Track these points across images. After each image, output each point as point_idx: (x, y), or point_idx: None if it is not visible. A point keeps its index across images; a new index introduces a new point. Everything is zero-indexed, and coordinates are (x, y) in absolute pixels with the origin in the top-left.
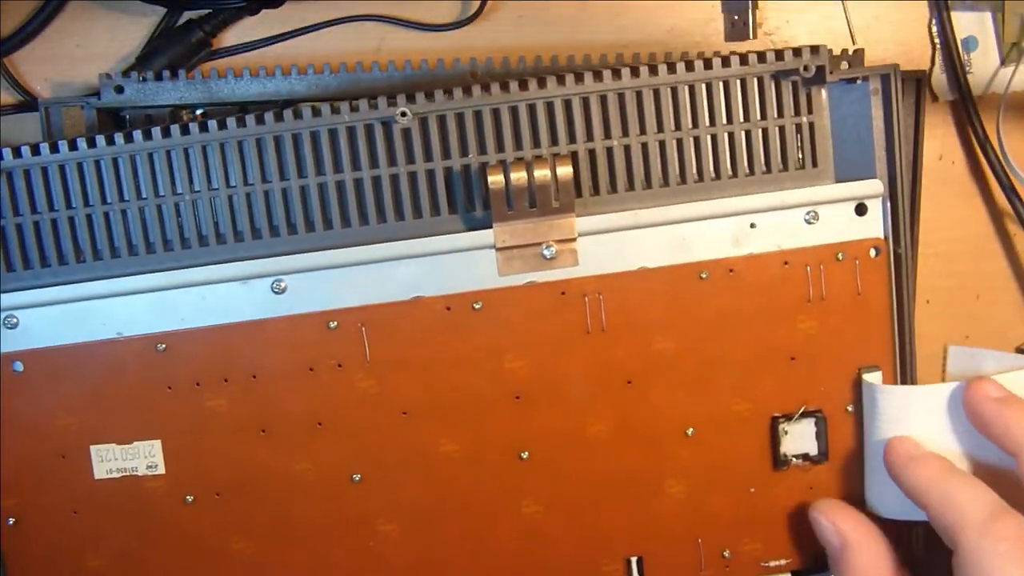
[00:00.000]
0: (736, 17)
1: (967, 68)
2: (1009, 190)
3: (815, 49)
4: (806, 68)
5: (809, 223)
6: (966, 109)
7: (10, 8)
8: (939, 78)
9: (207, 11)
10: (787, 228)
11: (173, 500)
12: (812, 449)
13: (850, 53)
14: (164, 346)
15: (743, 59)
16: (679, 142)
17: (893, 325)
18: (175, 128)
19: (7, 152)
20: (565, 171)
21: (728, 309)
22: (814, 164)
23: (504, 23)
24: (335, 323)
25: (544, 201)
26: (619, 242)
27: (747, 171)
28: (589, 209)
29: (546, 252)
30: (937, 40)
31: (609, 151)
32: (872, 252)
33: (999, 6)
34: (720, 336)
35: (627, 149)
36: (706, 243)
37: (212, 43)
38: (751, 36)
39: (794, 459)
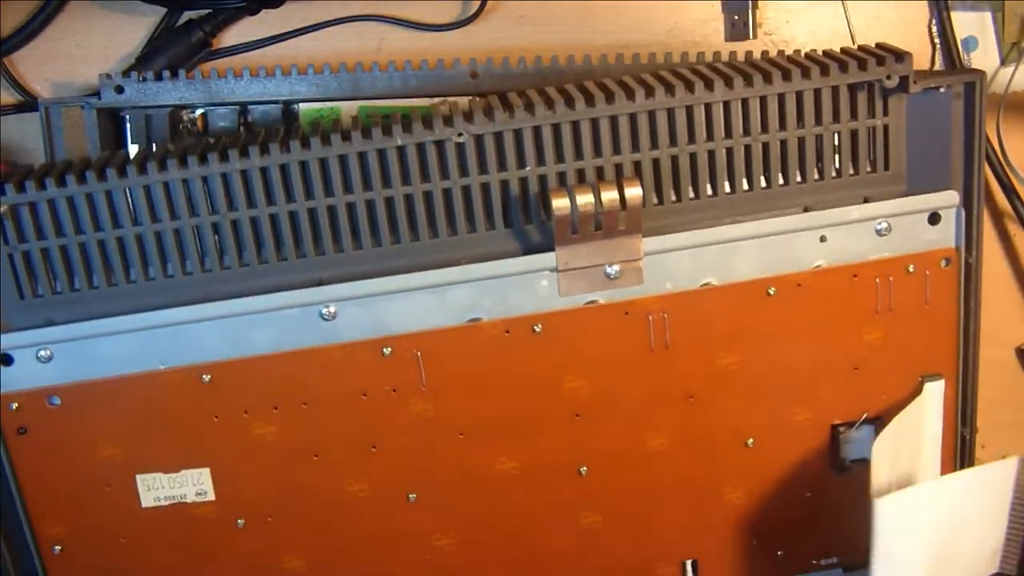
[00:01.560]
0: (736, 17)
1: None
2: (1009, 190)
3: (899, 57)
4: (889, 78)
5: (880, 234)
6: None
7: (10, 8)
8: None
9: (207, 11)
10: (858, 241)
11: (224, 524)
12: (871, 454)
13: None
14: (209, 377)
15: (823, 69)
16: (747, 148)
17: (959, 334)
18: (212, 156)
19: (29, 185)
20: (634, 193)
21: (794, 322)
22: (886, 168)
23: (504, 23)
24: (389, 349)
25: (610, 224)
26: (685, 259)
27: (816, 176)
28: (653, 220)
29: (610, 270)
30: (937, 40)
31: (674, 159)
32: (943, 263)
33: (999, 6)
34: (784, 348)
35: (693, 157)
36: (775, 259)
37: (212, 43)
38: (751, 36)
39: (852, 464)
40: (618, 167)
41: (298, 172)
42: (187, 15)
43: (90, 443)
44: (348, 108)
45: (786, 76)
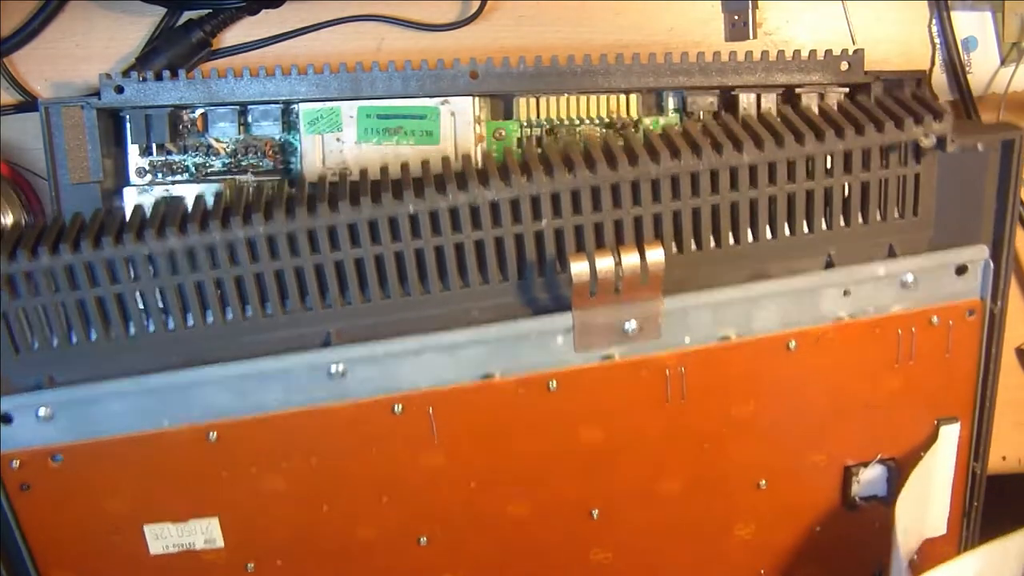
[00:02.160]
0: (736, 17)
1: (967, 68)
2: None
3: (937, 114)
4: (927, 136)
5: (905, 287)
6: (966, 109)
7: (10, 8)
8: (939, 78)
9: (207, 11)
10: (882, 293)
11: (233, 569)
12: (882, 491)
13: (850, 54)
14: (215, 434)
15: (858, 128)
16: (772, 198)
17: (979, 380)
18: (213, 224)
19: (21, 254)
20: (656, 259)
21: (813, 374)
22: (915, 214)
23: (504, 23)
24: (400, 407)
25: (631, 288)
26: (705, 313)
27: (843, 223)
28: (673, 270)
29: (628, 326)
30: (937, 40)
31: (696, 210)
32: (967, 314)
33: (999, 6)
34: (802, 398)
35: (716, 208)
36: (797, 312)
37: (212, 43)
38: (751, 36)
39: (863, 502)
40: (638, 220)
41: (305, 237)
42: (187, 15)
43: (95, 498)
44: (348, 108)
45: (819, 136)
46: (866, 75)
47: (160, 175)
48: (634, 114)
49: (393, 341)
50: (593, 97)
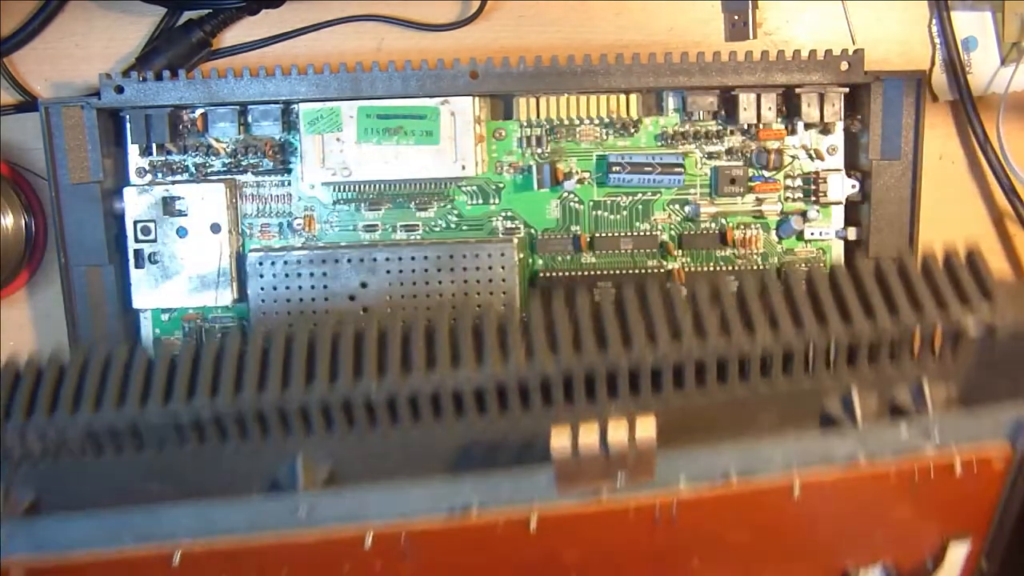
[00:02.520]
0: (736, 17)
1: (967, 68)
2: (1009, 190)
3: (986, 292)
4: (974, 322)
5: (929, 439)
6: (966, 109)
7: (10, 8)
8: (939, 78)
9: (207, 11)
10: (902, 446)
11: None
12: None
13: (850, 53)
14: (179, 557)
15: (893, 309)
16: (788, 353)
17: (998, 507)
18: (158, 401)
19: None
20: (647, 435)
21: (818, 511)
22: (952, 359)
23: (504, 23)
24: (370, 539)
25: (619, 460)
26: (701, 458)
27: (867, 366)
28: (669, 415)
29: (616, 476)
30: (937, 40)
31: (700, 363)
32: (995, 459)
33: (999, 6)
34: (804, 528)
35: (723, 362)
36: (805, 453)
37: (212, 43)
38: (751, 36)
39: None
40: (634, 376)
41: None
42: (187, 15)
43: None
44: (348, 108)
45: (846, 317)
46: (866, 75)
47: (160, 175)
48: (634, 114)
49: (361, 491)
50: (593, 97)
